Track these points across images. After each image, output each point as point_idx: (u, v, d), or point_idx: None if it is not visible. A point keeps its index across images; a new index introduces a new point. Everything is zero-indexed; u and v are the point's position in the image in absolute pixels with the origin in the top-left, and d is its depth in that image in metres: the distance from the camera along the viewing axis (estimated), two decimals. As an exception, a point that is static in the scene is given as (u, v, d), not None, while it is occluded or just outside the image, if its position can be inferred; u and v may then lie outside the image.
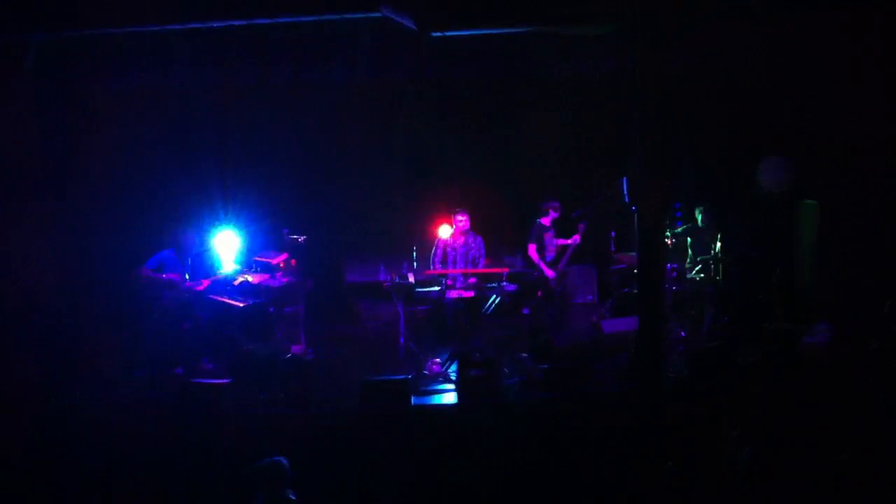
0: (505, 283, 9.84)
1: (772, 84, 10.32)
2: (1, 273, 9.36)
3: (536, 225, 10.78)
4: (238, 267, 10.05)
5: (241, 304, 9.50)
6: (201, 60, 10.06)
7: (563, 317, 10.70)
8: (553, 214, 10.77)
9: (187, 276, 9.49)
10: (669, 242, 10.24)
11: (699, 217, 10.58)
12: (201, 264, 9.78)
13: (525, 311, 11.10)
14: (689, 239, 10.60)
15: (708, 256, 10.20)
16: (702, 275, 10.33)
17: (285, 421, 8.27)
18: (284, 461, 5.80)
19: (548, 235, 10.83)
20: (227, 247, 10.13)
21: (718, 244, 10.17)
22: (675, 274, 10.30)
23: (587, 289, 11.34)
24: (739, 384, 8.14)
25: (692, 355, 8.98)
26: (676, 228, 10.52)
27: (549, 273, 10.61)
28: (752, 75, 10.37)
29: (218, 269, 9.88)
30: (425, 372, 9.38)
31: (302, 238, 10.02)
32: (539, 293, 11.22)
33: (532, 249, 10.65)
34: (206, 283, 9.52)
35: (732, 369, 8.60)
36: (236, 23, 7.63)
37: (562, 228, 10.91)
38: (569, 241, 10.82)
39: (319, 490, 7.19)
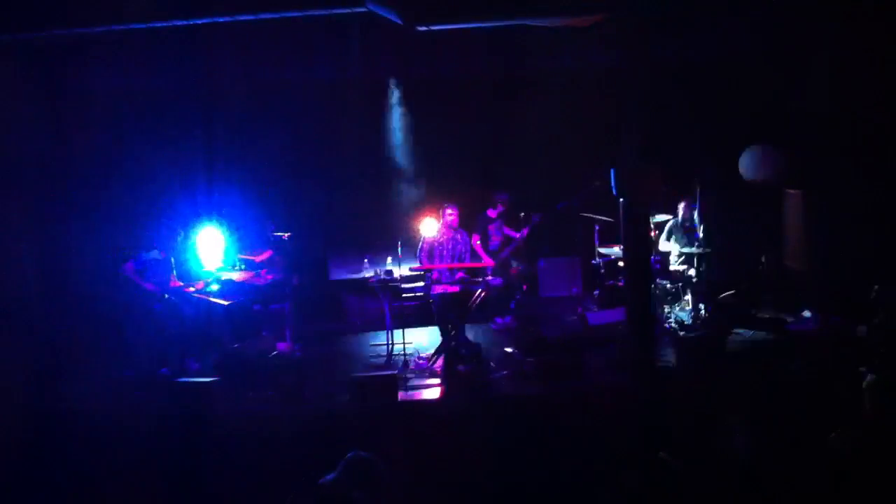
0: (490, 278, 9.85)
1: (758, 74, 10.39)
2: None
3: (482, 216, 10.91)
4: (224, 266, 9.99)
5: (227, 303, 9.47)
6: (185, 59, 10.01)
7: (540, 309, 10.70)
8: (500, 207, 10.89)
9: (174, 275, 9.42)
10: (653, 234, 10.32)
11: (680, 210, 10.60)
12: (187, 266, 9.72)
13: (511, 305, 11.15)
14: (671, 233, 10.62)
15: (692, 249, 10.25)
16: (685, 266, 10.39)
17: (273, 419, 8.24)
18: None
19: (493, 227, 11.00)
20: (212, 246, 10.07)
21: (701, 234, 10.21)
22: (658, 266, 10.37)
23: (573, 282, 11.42)
24: (729, 372, 8.19)
25: (681, 344, 9.03)
26: (654, 218, 10.54)
27: (488, 262, 10.63)
28: (739, 66, 10.45)
29: (203, 274, 9.80)
30: (412, 367, 9.38)
31: (287, 235, 9.99)
32: (525, 287, 11.27)
33: (475, 240, 10.71)
34: (190, 290, 9.46)
35: (721, 357, 8.66)
36: (221, 20, 7.55)
37: (513, 221, 10.96)
38: (515, 235, 10.90)
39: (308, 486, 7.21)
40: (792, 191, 10.90)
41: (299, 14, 7.48)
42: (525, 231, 10.88)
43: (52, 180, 9.36)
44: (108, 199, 10.48)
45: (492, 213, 10.98)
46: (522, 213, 10.83)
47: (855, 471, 5.83)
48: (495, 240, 11.01)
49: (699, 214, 10.32)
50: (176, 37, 8.73)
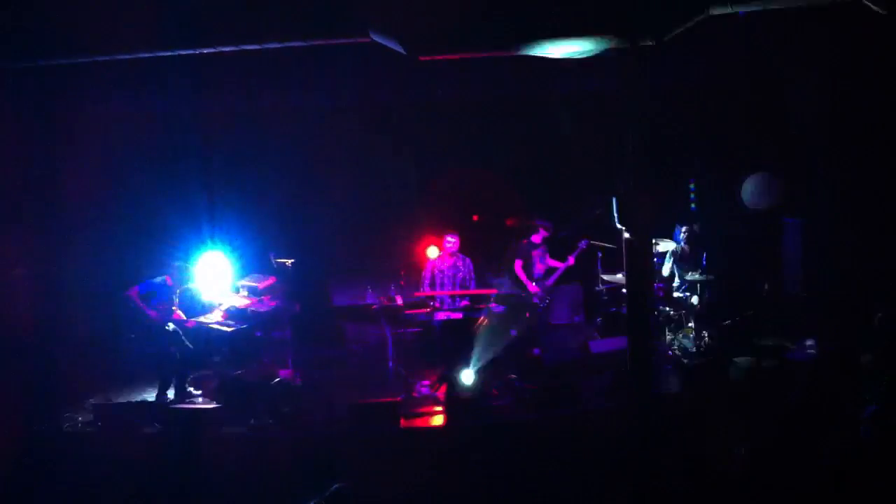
0: (493, 305, 9.85)
1: (757, 101, 10.46)
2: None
3: (525, 242, 10.81)
4: (226, 292, 10.01)
5: (229, 329, 9.48)
6: (185, 85, 10.06)
7: (545, 335, 10.73)
8: (543, 233, 10.79)
9: (176, 306, 9.43)
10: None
11: (682, 237, 10.62)
12: (191, 297, 9.74)
13: (513, 332, 11.14)
14: (672, 262, 10.64)
15: (694, 276, 10.26)
16: (688, 293, 10.39)
17: (274, 444, 8.23)
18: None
19: (536, 253, 10.84)
20: (214, 272, 10.09)
21: (704, 261, 10.24)
22: (661, 293, 10.37)
23: (575, 309, 11.39)
24: (731, 398, 8.19)
25: (683, 371, 9.03)
26: (658, 246, 10.55)
27: (533, 289, 10.63)
28: (737, 93, 10.52)
29: (206, 307, 9.81)
30: (414, 394, 9.37)
31: (289, 262, 10.01)
32: (527, 314, 11.26)
33: (518, 266, 10.67)
34: (191, 322, 9.48)
35: (723, 385, 8.66)
36: (226, 49, 7.64)
37: (554, 248, 10.93)
38: (559, 264, 10.84)
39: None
40: (791, 219, 10.94)
41: (303, 44, 7.57)
42: (571, 259, 10.79)
43: (48, 206, 9.40)
44: (108, 226, 10.53)
45: (536, 238, 10.82)
46: (561, 234, 10.76)
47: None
48: (539, 267, 10.94)
49: (700, 242, 10.35)
50: (175, 64, 8.79)
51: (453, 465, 7.84)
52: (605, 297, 10.94)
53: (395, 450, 8.13)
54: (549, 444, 7.99)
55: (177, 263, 9.51)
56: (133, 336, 9.30)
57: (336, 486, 5.41)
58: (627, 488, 7.02)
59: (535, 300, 10.54)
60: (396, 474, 7.66)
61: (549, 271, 10.86)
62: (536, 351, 10.25)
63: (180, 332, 9.31)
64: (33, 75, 8.90)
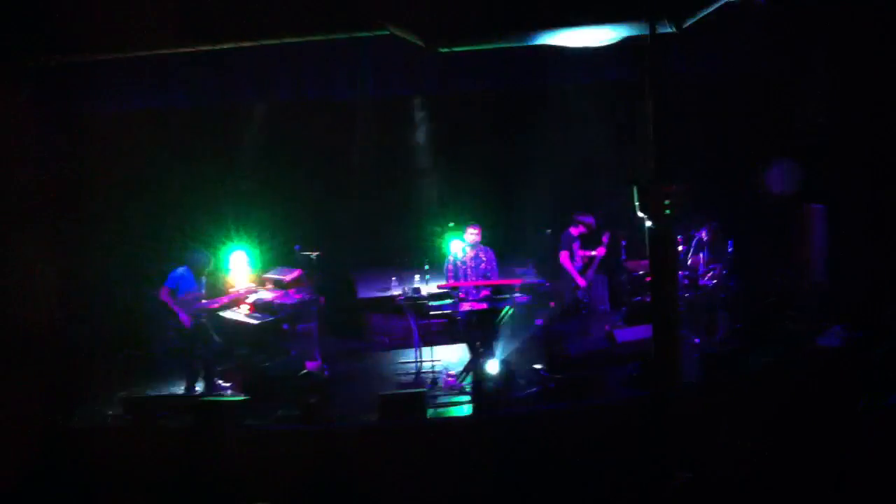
0: (517, 295, 9.85)
1: (780, 87, 10.33)
2: (11, 296, 9.43)
3: (566, 234, 10.78)
4: (252, 285, 10.10)
5: (256, 322, 9.56)
6: (205, 80, 10.11)
7: (589, 326, 10.73)
8: (582, 228, 10.74)
9: (202, 294, 9.55)
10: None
11: (705, 226, 10.53)
12: (215, 283, 9.84)
13: (538, 321, 11.13)
14: (699, 248, 10.56)
15: (719, 265, 10.19)
16: (714, 281, 10.32)
17: (302, 437, 8.30)
18: None
19: (575, 245, 10.83)
20: (240, 265, 10.19)
21: (730, 250, 10.17)
22: (686, 281, 10.31)
23: (599, 298, 11.36)
24: (753, 389, 8.12)
25: (705, 361, 8.98)
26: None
27: (581, 282, 10.63)
28: (760, 80, 10.39)
29: (231, 287, 9.94)
30: (440, 385, 9.41)
31: (314, 254, 10.06)
32: (552, 304, 11.24)
33: (564, 257, 10.65)
34: (220, 301, 9.58)
35: (746, 374, 8.59)
36: (246, 45, 7.66)
37: (586, 240, 10.91)
38: (594, 253, 10.82)
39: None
40: (815, 205, 10.80)
41: (322, 38, 7.58)
42: (601, 250, 10.75)
43: (72, 202, 9.49)
44: (133, 221, 10.62)
45: (574, 231, 10.75)
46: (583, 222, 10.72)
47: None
48: (578, 260, 10.90)
49: (723, 230, 10.27)
50: (195, 59, 8.83)
51: (479, 455, 7.85)
52: (630, 287, 10.90)
53: (420, 441, 8.16)
54: (575, 435, 7.97)
55: (195, 250, 9.62)
56: (170, 335, 9.44)
57: None
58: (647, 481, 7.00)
59: (580, 294, 10.52)
60: (422, 466, 7.70)
61: (588, 262, 10.86)
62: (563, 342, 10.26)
63: (209, 327, 9.41)
64: (54, 74, 9.01)
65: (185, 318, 9.26)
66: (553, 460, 7.77)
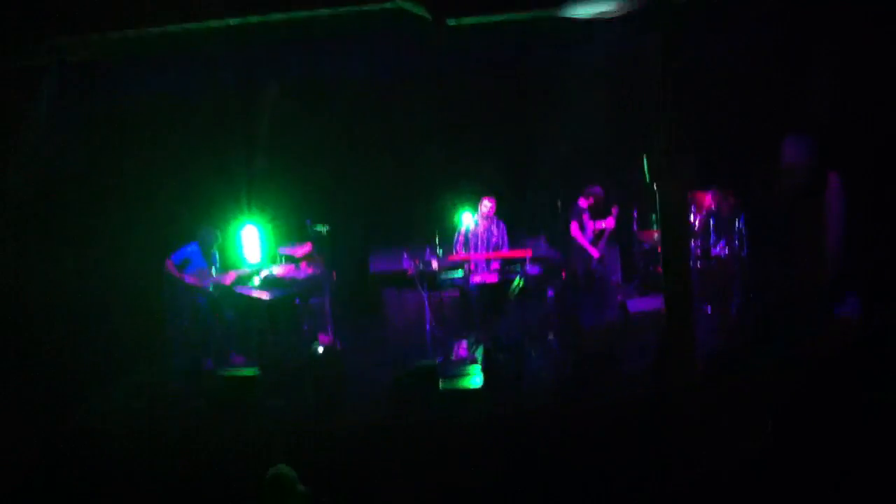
0: (528, 266, 9.84)
1: (795, 61, 10.18)
2: (31, 276, 9.51)
3: (575, 205, 10.75)
4: (264, 259, 10.12)
5: (268, 297, 9.59)
6: (219, 61, 10.10)
7: (602, 297, 10.71)
8: (591, 200, 10.69)
9: (213, 269, 9.59)
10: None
11: (716, 200, 10.44)
12: (226, 258, 9.88)
13: (550, 293, 11.12)
14: (709, 218, 10.50)
15: (732, 235, 10.14)
16: (726, 251, 10.27)
17: (313, 411, 8.37)
18: (284, 469, 5.61)
19: (585, 216, 10.79)
20: (252, 239, 10.21)
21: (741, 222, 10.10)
22: (699, 251, 10.27)
23: (612, 269, 11.35)
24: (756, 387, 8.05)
25: (707, 355, 8.88)
26: None
27: (595, 252, 10.61)
28: (773, 55, 10.25)
29: (243, 262, 9.97)
30: (452, 357, 9.43)
31: (325, 229, 10.05)
32: (563, 275, 11.22)
33: (574, 227, 10.62)
34: (231, 275, 9.61)
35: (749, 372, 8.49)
36: (252, 19, 7.63)
37: (595, 212, 10.86)
38: (604, 225, 10.79)
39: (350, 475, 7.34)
40: (833, 175, 10.66)
41: (329, 11, 7.53)
42: (611, 220, 10.71)
43: (90, 182, 9.53)
44: (150, 199, 10.65)
45: (583, 203, 10.73)
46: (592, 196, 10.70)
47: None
48: (589, 231, 10.86)
49: (737, 201, 10.20)
50: (209, 40, 8.79)
51: (490, 428, 7.88)
52: (642, 258, 10.86)
53: (432, 411, 8.20)
54: (586, 414, 7.96)
55: (205, 227, 9.65)
56: (182, 321, 9.51)
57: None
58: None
59: (594, 265, 10.50)
60: (433, 438, 7.74)
61: (599, 234, 10.83)
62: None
63: (220, 299, 9.46)
64: (76, 68, 9.04)
65: (190, 280, 9.36)
66: (565, 433, 7.79)
